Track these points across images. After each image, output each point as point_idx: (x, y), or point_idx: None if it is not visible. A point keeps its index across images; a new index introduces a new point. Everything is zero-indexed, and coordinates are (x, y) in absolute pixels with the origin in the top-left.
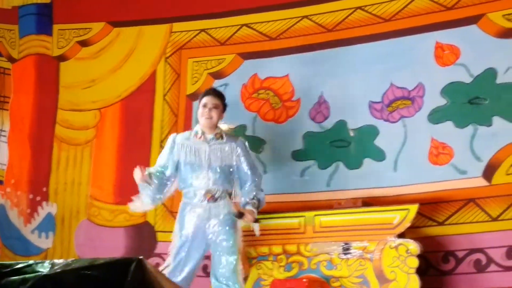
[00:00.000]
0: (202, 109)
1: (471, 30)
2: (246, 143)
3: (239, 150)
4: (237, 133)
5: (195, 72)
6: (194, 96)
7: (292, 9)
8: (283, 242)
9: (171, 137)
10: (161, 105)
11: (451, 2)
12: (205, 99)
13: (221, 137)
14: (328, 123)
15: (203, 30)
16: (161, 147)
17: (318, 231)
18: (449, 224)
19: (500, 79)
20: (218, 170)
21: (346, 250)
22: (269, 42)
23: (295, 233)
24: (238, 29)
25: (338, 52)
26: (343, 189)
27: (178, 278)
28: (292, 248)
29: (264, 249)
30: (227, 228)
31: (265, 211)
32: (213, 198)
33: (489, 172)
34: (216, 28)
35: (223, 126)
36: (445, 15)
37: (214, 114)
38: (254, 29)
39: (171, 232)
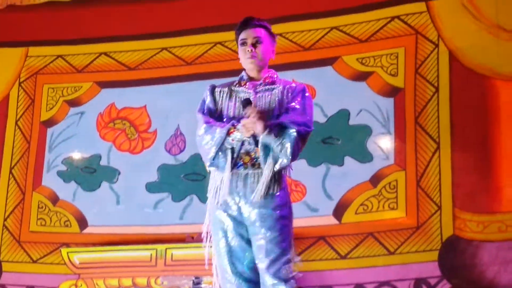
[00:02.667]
0: (242, 49)
1: (326, 71)
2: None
3: (296, 92)
4: (91, 162)
5: (50, 98)
6: (49, 123)
7: (152, 40)
8: (134, 275)
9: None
10: (13, 131)
11: (308, 43)
12: (242, 35)
13: (273, 82)
14: (184, 156)
15: (60, 56)
16: (11, 174)
17: (169, 265)
18: (300, 260)
19: (352, 121)
20: None
21: (196, 284)
22: (127, 72)
23: (146, 265)
24: (97, 57)
25: (196, 86)
26: (197, 223)
27: None
28: (142, 281)
29: (114, 282)
30: None
31: (115, 242)
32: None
33: (339, 211)
34: (73, 54)
35: None
36: (302, 55)
37: (259, 50)
38: (113, 58)
39: (18, 262)
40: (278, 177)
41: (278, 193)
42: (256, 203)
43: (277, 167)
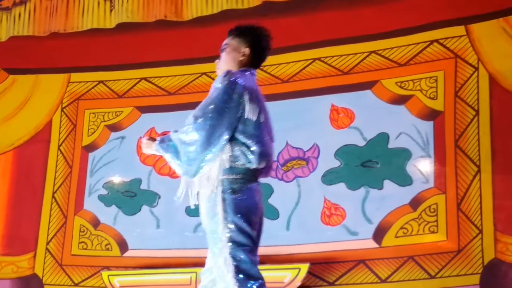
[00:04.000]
0: None
1: (365, 95)
2: (226, 78)
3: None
4: (132, 186)
5: (92, 123)
6: (90, 148)
7: (191, 65)
8: None
9: None
10: (56, 156)
11: (347, 68)
12: None
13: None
14: None
15: (101, 81)
16: (54, 198)
17: None
18: (340, 284)
19: (391, 144)
20: None
21: None
22: (167, 96)
23: None
24: (137, 83)
25: None
26: None
27: None
28: None
29: None
30: None
31: (156, 266)
32: None
33: (379, 235)
34: (114, 80)
35: None
36: (341, 79)
37: (221, 59)
38: (153, 83)
39: (60, 285)
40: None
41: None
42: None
43: (181, 174)
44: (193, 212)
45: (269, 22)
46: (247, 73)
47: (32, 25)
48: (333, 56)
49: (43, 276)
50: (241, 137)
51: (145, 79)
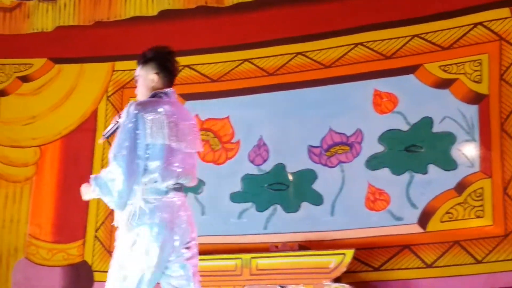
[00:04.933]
0: None
1: (408, 79)
2: (131, 107)
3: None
4: None
5: None
6: None
7: (234, 52)
8: (219, 284)
9: None
10: (102, 144)
11: (389, 52)
12: None
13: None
14: (267, 166)
15: None
16: None
17: (254, 274)
18: (385, 269)
19: (436, 128)
20: None
21: None
22: (210, 83)
23: (231, 275)
24: (180, 70)
25: (278, 96)
26: (280, 232)
27: None
28: None
29: None
30: None
31: (201, 252)
32: None
33: (424, 219)
34: None
35: None
36: (384, 64)
37: (136, 90)
38: (196, 71)
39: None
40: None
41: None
42: None
43: (114, 208)
44: (237, 198)
45: (310, 8)
46: (156, 98)
47: (77, 15)
48: (375, 41)
49: (92, 263)
50: (148, 162)
51: (188, 66)
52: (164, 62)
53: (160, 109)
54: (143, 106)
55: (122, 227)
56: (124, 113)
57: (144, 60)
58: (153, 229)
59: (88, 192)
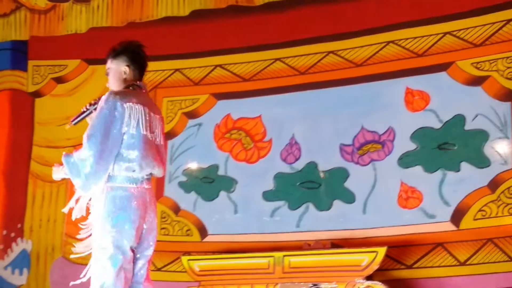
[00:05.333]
0: None
1: (440, 77)
2: (110, 95)
3: None
4: (210, 172)
5: (169, 111)
6: (169, 135)
7: (266, 51)
8: (252, 282)
9: None
10: None
11: (421, 50)
12: None
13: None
14: (299, 164)
15: (177, 69)
16: None
17: (287, 272)
18: (418, 267)
19: (468, 126)
20: None
21: None
22: (242, 83)
23: (264, 273)
24: (212, 70)
25: (310, 95)
26: (313, 230)
27: None
28: None
29: None
30: None
31: (234, 250)
32: None
33: (457, 217)
34: (190, 68)
35: None
36: (416, 62)
37: (108, 82)
38: (228, 70)
39: None
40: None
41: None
42: None
43: (79, 188)
44: (269, 197)
45: (341, 6)
46: (130, 88)
47: (110, 16)
48: (407, 39)
49: None
50: (124, 150)
51: (220, 66)
52: (134, 55)
53: (136, 100)
54: (121, 95)
55: (97, 213)
56: (102, 101)
57: (115, 53)
58: (130, 216)
59: (58, 171)
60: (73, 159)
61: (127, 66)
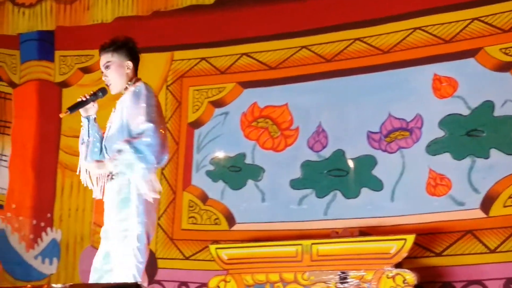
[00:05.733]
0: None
1: (468, 63)
2: (149, 87)
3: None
4: (237, 161)
5: (196, 100)
6: (196, 124)
7: (292, 39)
8: (280, 270)
9: None
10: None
11: (449, 36)
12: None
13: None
14: (326, 152)
15: (203, 58)
16: (163, 174)
17: (315, 260)
18: (447, 255)
19: (497, 112)
20: None
21: (343, 279)
22: (268, 71)
23: (292, 261)
24: (238, 58)
25: (336, 82)
26: (341, 218)
27: None
28: (289, 276)
29: (261, 277)
30: None
31: (262, 239)
32: None
33: (486, 204)
34: (216, 56)
35: None
36: (443, 48)
37: (110, 76)
38: (254, 58)
39: (171, 259)
40: None
41: None
42: None
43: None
44: (297, 185)
45: None
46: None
47: (136, 5)
48: (434, 25)
49: (156, 250)
50: None
51: (246, 54)
52: (134, 50)
53: None
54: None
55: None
56: (142, 92)
57: (115, 46)
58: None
59: (103, 165)
60: (138, 144)
61: (130, 60)
